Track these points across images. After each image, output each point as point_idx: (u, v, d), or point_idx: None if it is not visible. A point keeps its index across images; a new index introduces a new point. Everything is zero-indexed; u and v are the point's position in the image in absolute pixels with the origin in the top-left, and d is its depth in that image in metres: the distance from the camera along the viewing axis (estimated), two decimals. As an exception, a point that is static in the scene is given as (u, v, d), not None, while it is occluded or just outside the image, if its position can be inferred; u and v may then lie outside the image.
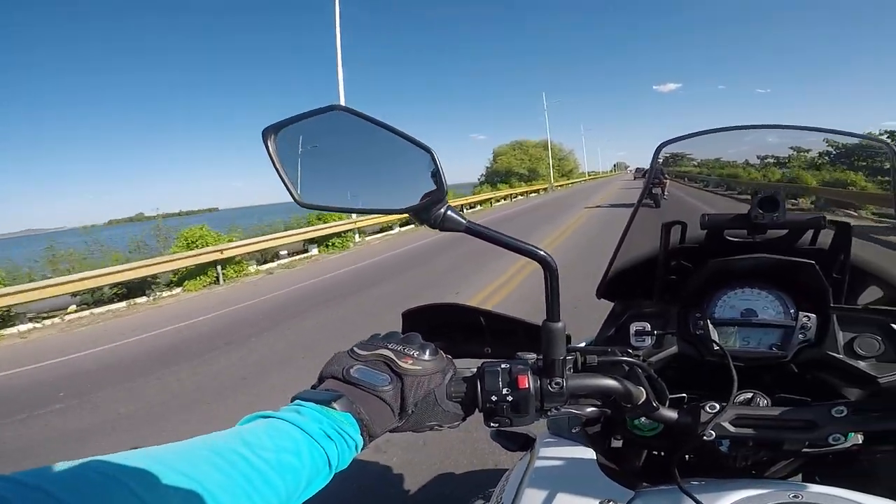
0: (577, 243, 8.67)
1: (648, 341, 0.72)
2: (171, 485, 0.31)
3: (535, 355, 0.55)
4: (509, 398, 0.49)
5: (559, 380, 0.50)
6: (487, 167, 49.55)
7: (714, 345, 0.67)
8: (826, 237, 0.70)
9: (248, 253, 9.64)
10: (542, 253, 0.49)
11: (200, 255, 8.49)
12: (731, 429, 0.57)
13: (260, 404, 2.37)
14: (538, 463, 0.69)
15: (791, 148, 0.90)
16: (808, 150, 0.92)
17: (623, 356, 0.55)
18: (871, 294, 0.73)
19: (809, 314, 0.68)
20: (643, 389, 0.54)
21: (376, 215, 0.48)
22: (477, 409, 0.51)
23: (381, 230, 13.76)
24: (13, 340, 6.28)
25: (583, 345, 0.74)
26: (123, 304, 7.76)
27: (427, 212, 0.48)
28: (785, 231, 0.70)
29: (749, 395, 0.64)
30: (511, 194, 28.66)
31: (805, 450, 0.62)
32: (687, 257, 0.76)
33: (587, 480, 0.63)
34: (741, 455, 0.65)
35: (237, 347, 4.66)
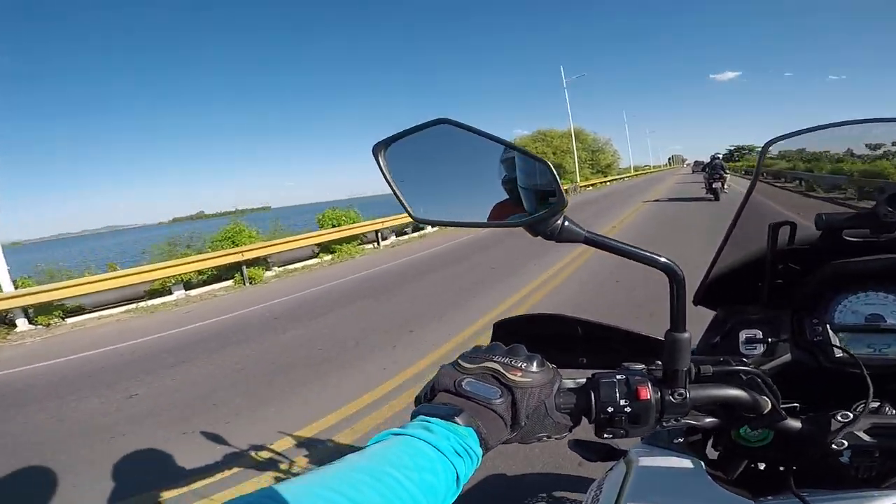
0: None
1: (759, 349, 0.69)
2: None
3: (643, 365, 0.54)
4: (627, 409, 0.48)
5: (682, 391, 0.49)
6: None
7: (840, 351, 0.64)
8: None
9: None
10: (664, 261, 0.48)
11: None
12: (866, 438, 0.54)
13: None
14: (640, 474, 0.67)
15: None
16: None
17: (738, 365, 0.54)
18: None
19: None
20: (768, 399, 0.52)
21: (491, 228, 0.48)
22: (588, 420, 0.50)
23: (397, 234, 13.80)
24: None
25: None
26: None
27: (544, 223, 0.47)
28: None
29: (876, 405, 0.60)
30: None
31: None
32: (796, 259, 0.72)
33: (702, 492, 0.61)
34: (864, 466, 0.61)
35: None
